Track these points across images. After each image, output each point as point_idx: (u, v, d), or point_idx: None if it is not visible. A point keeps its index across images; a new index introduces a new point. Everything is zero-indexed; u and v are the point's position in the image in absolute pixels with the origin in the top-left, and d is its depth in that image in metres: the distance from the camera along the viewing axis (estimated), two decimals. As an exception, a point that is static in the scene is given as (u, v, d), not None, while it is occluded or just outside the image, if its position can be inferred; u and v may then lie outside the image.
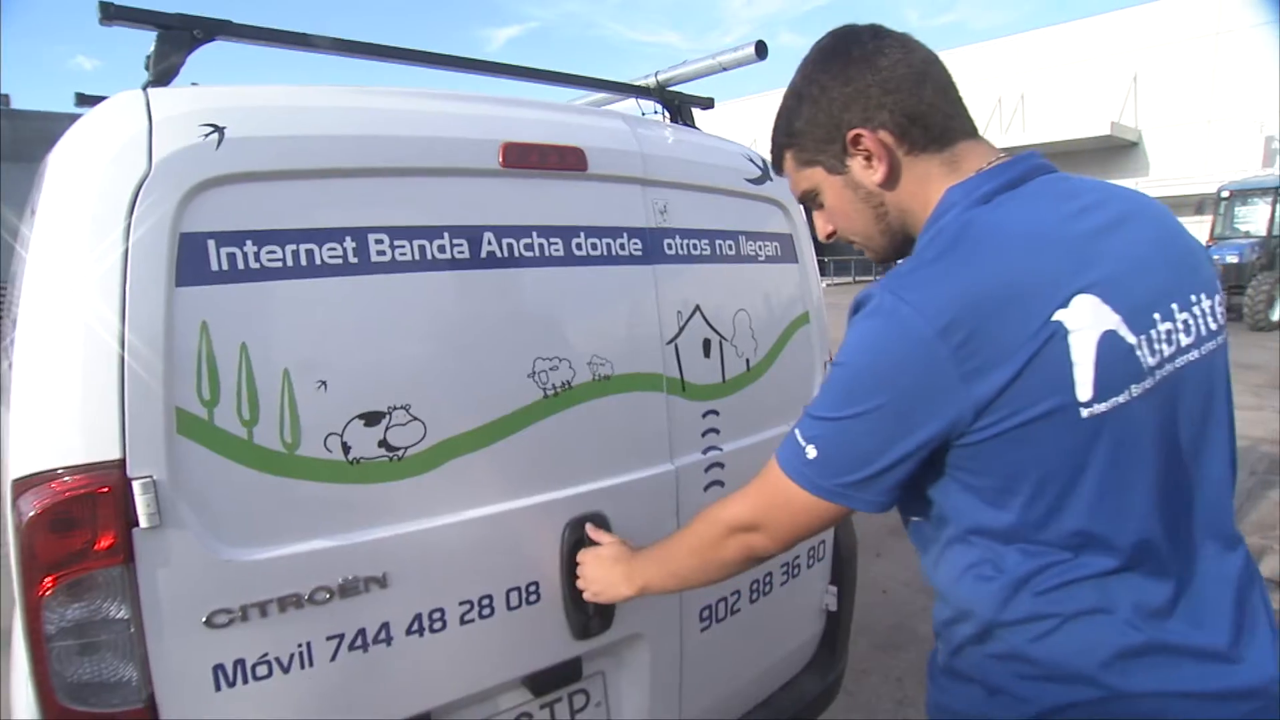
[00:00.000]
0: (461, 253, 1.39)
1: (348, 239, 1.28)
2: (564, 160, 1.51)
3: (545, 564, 1.48)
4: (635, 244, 1.61)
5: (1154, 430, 0.87)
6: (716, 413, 1.75)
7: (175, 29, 1.27)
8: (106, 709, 1.10)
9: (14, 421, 1.10)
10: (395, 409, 1.32)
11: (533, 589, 1.47)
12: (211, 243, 1.17)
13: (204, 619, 1.16)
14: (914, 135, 0.94)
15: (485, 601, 1.42)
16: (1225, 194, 14.12)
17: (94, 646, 1.09)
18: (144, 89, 1.19)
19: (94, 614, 1.08)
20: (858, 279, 28.95)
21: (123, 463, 1.10)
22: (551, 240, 1.49)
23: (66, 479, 1.06)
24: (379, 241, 1.31)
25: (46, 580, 1.05)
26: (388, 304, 1.31)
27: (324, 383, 1.25)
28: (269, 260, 1.21)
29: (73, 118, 1.22)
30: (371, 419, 1.30)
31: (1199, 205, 14.44)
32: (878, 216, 1.01)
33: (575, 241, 1.52)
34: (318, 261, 1.25)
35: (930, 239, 0.92)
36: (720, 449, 1.76)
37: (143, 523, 1.10)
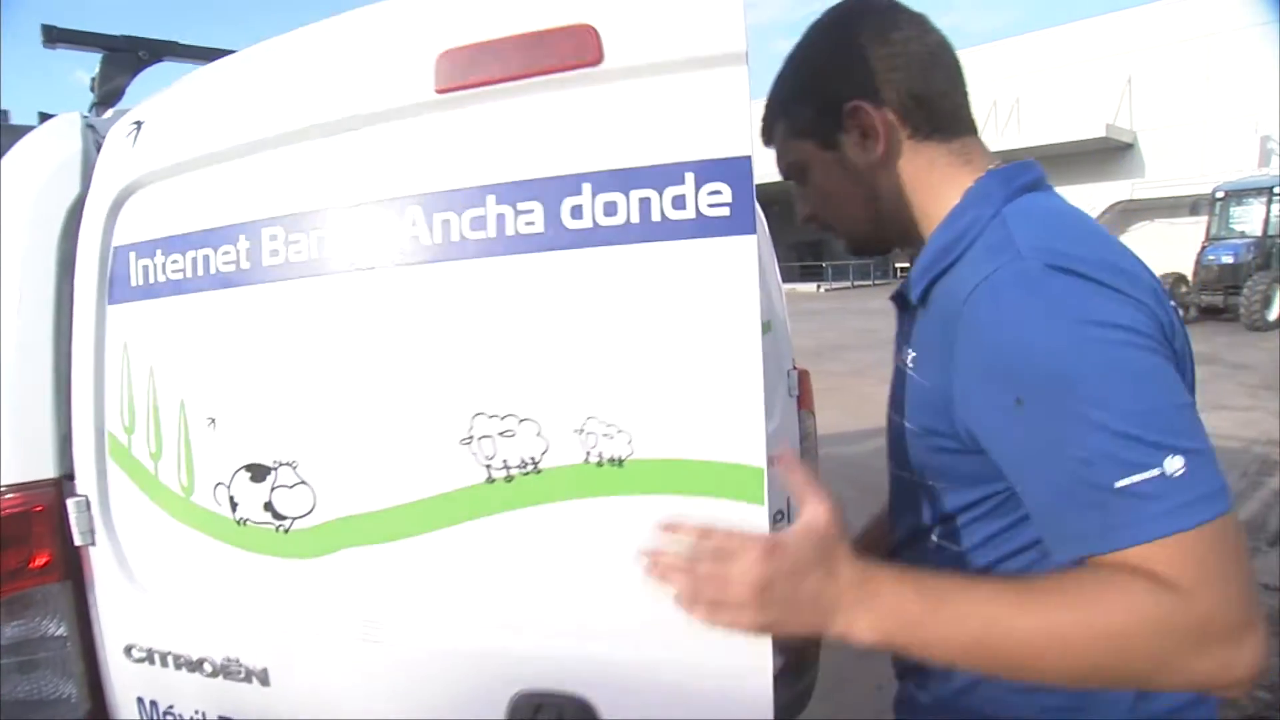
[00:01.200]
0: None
1: (241, 238, 0.97)
2: (552, 54, 0.82)
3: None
4: (718, 196, 0.80)
5: None
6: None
7: (121, 50, 1.17)
8: (43, 726, 1.10)
9: None
10: (281, 465, 0.96)
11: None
12: (132, 255, 1.06)
13: (123, 648, 1.10)
14: (918, 119, 0.83)
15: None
16: (1220, 195, 14.14)
17: (32, 664, 1.09)
18: (87, 111, 1.13)
19: (31, 631, 1.09)
20: (856, 284, 27.55)
21: (58, 482, 1.09)
22: (522, 207, 0.85)
23: (9, 496, 1.08)
24: (273, 238, 0.95)
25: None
26: (276, 322, 0.96)
27: (213, 420, 1.00)
28: (172, 271, 1.03)
29: None
30: (257, 473, 0.98)
31: (1194, 206, 15.01)
32: (867, 200, 0.87)
33: (572, 204, 0.83)
34: (211, 270, 1.00)
35: (986, 223, 0.77)
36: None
37: (77, 541, 1.09)
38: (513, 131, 0.85)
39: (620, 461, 0.82)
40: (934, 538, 0.82)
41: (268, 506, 0.97)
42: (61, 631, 1.09)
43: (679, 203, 0.80)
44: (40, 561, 1.08)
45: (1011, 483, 0.71)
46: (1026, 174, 0.81)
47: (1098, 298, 0.66)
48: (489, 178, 0.86)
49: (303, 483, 0.95)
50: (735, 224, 0.78)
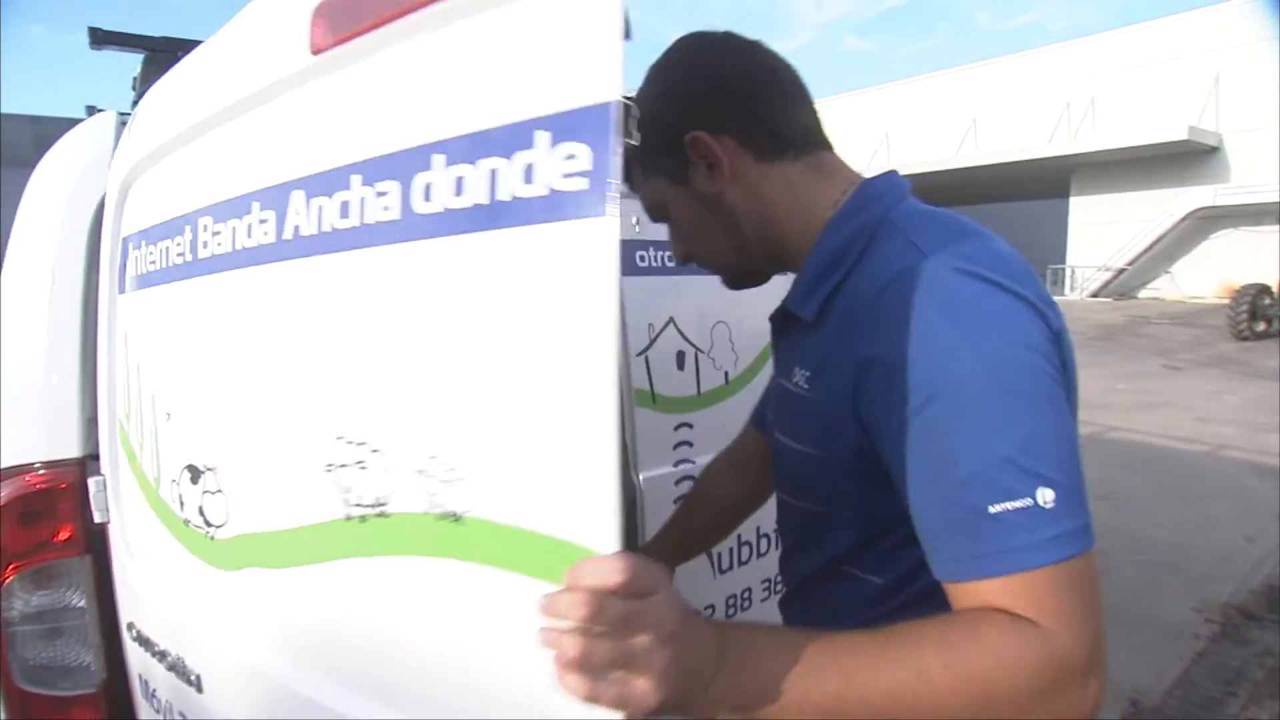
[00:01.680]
0: (267, 234, 0.80)
1: (186, 227, 0.94)
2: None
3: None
4: (573, 163, 0.55)
5: None
6: (690, 425, 1.46)
7: (161, 51, 1.19)
8: (62, 691, 1.16)
9: None
10: (208, 469, 0.91)
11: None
12: (130, 246, 1.08)
13: (126, 625, 1.13)
14: (762, 141, 0.82)
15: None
16: (1311, 201, 13.73)
17: (55, 632, 1.16)
18: (131, 108, 1.16)
19: (55, 601, 1.15)
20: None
21: (82, 461, 1.15)
22: (380, 186, 0.69)
23: (41, 471, 1.15)
24: (205, 227, 0.90)
25: (9, 568, 1.16)
26: (208, 316, 0.92)
27: (169, 415, 0.99)
28: (149, 263, 1.02)
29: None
30: (194, 474, 0.95)
31: (1282, 213, 14.80)
32: (728, 230, 0.86)
33: (424, 182, 0.65)
34: (170, 261, 0.97)
35: (875, 229, 0.76)
36: (693, 462, 1.41)
37: (96, 518, 1.13)
38: (372, 96, 0.70)
39: (457, 517, 0.63)
40: (854, 570, 0.78)
41: (200, 510, 0.93)
42: (81, 603, 1.15)
43: (529, 174, 0.58)
44: (64, 536, 1.15)
45: (898, 493, 0.67)
46: (900, 184, 0.81)
47: (1005, 309, 0.65)
48: (359, 151, 0.71)
49: (220, 490, 0.89)
50: (593, 201, 0.55)
